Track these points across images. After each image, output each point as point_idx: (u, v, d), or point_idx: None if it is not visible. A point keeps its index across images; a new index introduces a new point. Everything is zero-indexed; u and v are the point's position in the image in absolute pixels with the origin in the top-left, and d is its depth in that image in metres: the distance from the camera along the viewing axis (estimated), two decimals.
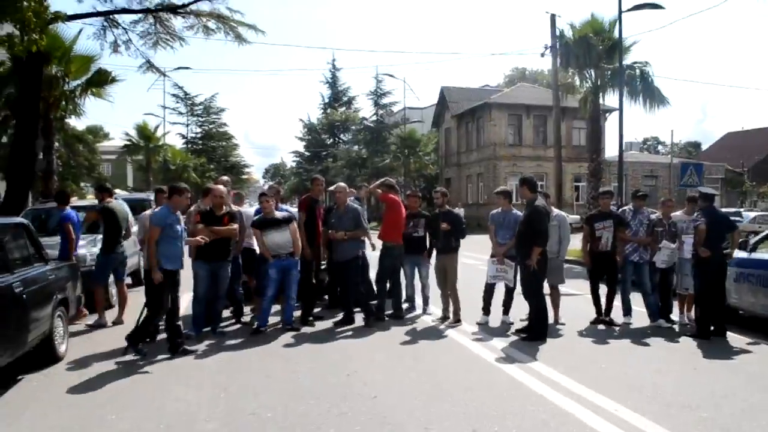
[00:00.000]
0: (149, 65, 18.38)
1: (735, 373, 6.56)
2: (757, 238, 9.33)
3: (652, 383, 6.02)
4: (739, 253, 8.84)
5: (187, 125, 57.88)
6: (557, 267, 8.95)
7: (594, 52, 20.16)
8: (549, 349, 7.39)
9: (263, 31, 17.63)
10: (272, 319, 8.51)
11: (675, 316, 9.13)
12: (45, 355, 6.63)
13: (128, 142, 43.59)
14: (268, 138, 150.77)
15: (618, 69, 19.11)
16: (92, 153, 42.20)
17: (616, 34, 19.65)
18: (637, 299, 9.03)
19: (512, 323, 8.74)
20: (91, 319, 9.00)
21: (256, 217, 8.42)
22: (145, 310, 7.14)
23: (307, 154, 62.53)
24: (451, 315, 9.01)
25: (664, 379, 6.21)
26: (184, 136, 57.65)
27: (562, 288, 9.27)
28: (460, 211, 32.91)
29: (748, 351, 7.48)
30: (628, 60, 20.32)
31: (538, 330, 7.88)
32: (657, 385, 5.95)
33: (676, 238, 8.99)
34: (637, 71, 20.34)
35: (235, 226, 8.09)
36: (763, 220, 25.51)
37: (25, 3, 10.13)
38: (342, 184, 9.23)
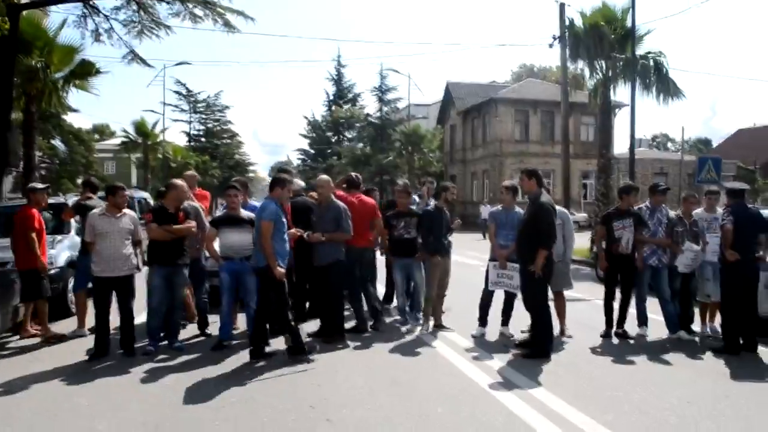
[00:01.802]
0: (134, 55, 17.44)
1: None
2: None
3: (679, 417, 4.99)
4: None
5: (190, 122, 57.16)
6: (563, 271, 7.91)
7: (605, 41, 18.97)
8: (554, 369, 6.35)
9: (252, 17, 16.64)
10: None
11: (696, 326, 8.10)
12: None
13: (125, 139, 42.63)
14: (276, 136, 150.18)
15: (630, 59, 17.99)
16: (89, 150, 41.47)
17: (628, 22, 18.58)
18: (651, 307, 7.97)
19: (512, 336, 7.72)
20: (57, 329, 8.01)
21: (217, 214, 7.42)
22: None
23: (312, 151, 61.62)
24: (441, 321, 8.20)
25: (692, 410, 5.16)
26: (187, 134, 56.91)
27: (567, 293, 8.21)
28: (486, 208, 31.77)
29: None
30: (641, 50, 19.14)
31: (541, 346, 6.85)
32: (685, 420, 4.92)
33: (699, 239, 7.97)
34: (651, 62, 19.11)
35: (193, 223, 7.11)
36: None
37: None
38: (325, 176, 8.11)
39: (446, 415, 5.01)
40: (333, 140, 59.92)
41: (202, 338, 7.71)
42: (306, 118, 62.01)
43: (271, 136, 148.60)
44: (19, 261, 7.70)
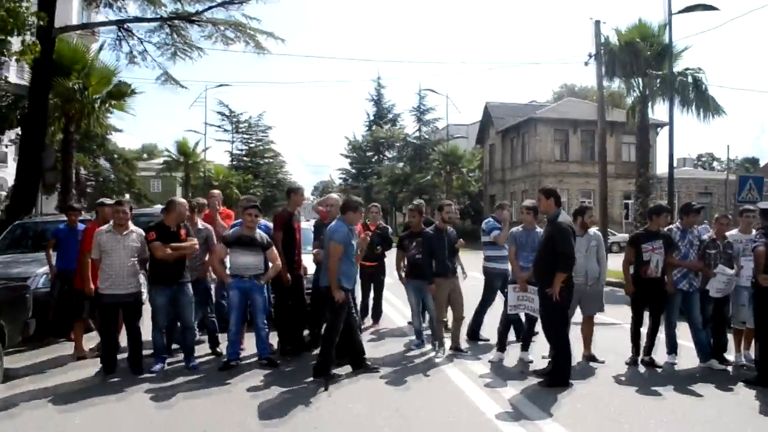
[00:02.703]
0: (167, 77, 17.80)
1: None
2: None
3: None
4: None
5: (233, 142, 58.38)
6: (596, 294, 7.56)
7: (641, 58, 18.61)
8: (570, 399, 5.99)
9: (282, 38, 16.93)
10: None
11: (730, 354, 7.62)
12: None
13: (168, 158, 43.55)
14: (320, 157, 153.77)
15: (668, 76, 17.51)
16: (131, 169, 42.39)
17: (665, 38, 18.12)
18: (682, 334, 7.53)
19: (531, 361, 7.38)
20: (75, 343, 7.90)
21: (230, 231, 7.32)
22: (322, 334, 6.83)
23: (353, 171, 62.12)
24: (459, 344, 7.93)
25: None
26: (230, 153, 58.16)
27: (599, 317, 7.84)
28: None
29: None
30: (679, 66, 18.70)
31: (560, 374, 6.49)
32: None
33: (733, 262, 7.51)
34: (689, 78, 18.65)
35: (195, 240, 7.03)
36: None
37: None
38: (334, 195, 8.02)
39: None
40: (373, 160, 60.35)
41: (213, 356, 7.60)
42: (347, 138, 62.74)
43: (315, 157, 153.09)
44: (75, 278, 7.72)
